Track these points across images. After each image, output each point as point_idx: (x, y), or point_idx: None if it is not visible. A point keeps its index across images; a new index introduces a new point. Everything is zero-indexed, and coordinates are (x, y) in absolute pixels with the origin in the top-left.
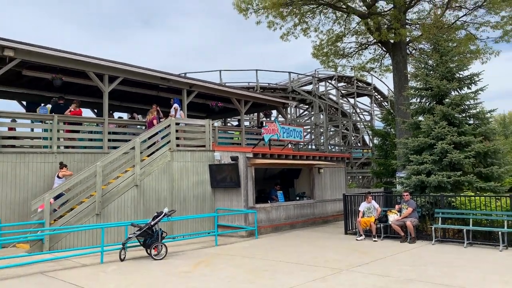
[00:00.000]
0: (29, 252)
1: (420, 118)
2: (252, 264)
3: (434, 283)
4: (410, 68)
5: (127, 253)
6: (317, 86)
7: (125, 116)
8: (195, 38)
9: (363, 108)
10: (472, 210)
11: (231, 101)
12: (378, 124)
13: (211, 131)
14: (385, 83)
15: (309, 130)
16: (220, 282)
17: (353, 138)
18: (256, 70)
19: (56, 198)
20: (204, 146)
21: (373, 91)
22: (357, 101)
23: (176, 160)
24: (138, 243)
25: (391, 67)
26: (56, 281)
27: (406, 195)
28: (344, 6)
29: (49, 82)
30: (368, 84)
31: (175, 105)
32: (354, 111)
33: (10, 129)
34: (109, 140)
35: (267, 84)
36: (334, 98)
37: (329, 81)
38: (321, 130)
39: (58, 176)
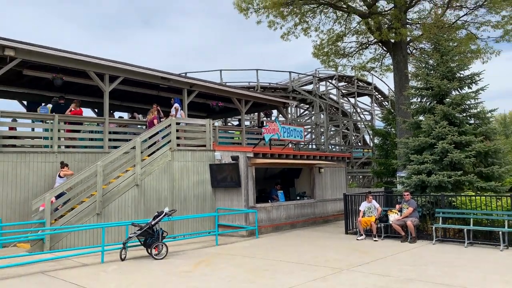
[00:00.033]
0: (30, 252)
1: (421, 117)
2: (253, 263)
3: (435, 282)
4: (410, 68)
5: (127, 253)
6: (317, 85)
7: (125, 115)
8: (195, 38)
9: (363, 108)
10: (473, 209)
11: (232, 100)
12: (379, 124)
13: (211, 130)
14: (386, 82)
15: (309, 130)
16: (221, 282)
17: (353, 138)
18: (257, 69)
19: (57, 197)
20: (204, 145)
21: (374, 91)
22: (358, 100)
23: (177, 159)
24: (139, 243)
25: (391, 67)
26: (56, 280)
27: (407, 194)
28: (344, 6)
29: (50, 82)
30: (369, 83)
31: (176, 105)
32: (354, 110)
33: (11, 128)
34: (109, 139)
35: (268, 84)
36: (335, 98)
37: (330, 80)
38: (322, 130)
39: (59, 176)
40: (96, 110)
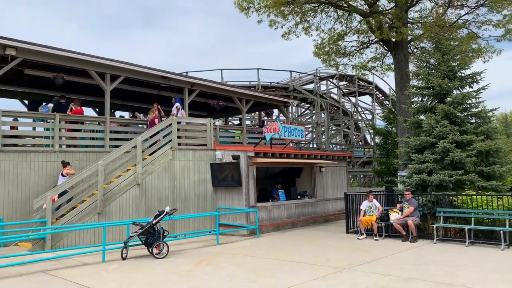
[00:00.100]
0: (31, 251)
1: (422, 117)
2: (254, 263)
3: (436, 282)
4: (411, 67)
5: (128, 252)
6: (318, 85)
7: (126, 115)
8: (196, 37)
9: (364, 107)
10: (474, 209)
11: (233, 100)
12: (380, 123)
13: (212, 130)
14: (387, 81)
15: (310, 129)
16: (222, 281)
17: (354, 137)
18: (258, 69)
19: (60, 195)
20: (205, 145)
21: (375, 90)
22: (359, 100)
23: (178, 159)
24: (140, 242)
25: (392, 66)
26: (58, 279)
27: (408, 194)
28: (345, 5)
29: (51, 81)
30: (370, 83)
31: (177, 104)
32: (355, 110)
33: (12, 128)
34: (110, 139)
35: (269, 83)
36: (336, 97)
37: (331, 80)
38: (323, 129)
39: (62, 174)
40: (97, 109)
